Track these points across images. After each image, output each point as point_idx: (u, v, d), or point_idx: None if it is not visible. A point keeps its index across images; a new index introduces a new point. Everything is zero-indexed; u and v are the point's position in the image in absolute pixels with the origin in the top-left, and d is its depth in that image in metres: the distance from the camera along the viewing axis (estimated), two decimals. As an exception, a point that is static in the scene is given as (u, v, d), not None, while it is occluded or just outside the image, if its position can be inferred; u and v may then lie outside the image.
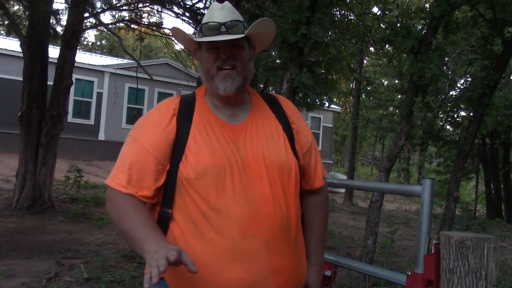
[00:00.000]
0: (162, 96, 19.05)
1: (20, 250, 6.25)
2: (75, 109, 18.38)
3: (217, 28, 1.58)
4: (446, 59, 10.99)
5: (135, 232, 1.45)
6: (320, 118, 23.61)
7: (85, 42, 34.57)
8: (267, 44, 1.81)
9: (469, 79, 13.07)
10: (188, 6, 10.35)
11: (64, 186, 10.55)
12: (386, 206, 14.44)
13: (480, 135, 14.26)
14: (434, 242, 1.71)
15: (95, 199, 10.34)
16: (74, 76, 10.10)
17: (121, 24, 13.92)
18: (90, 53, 24.93)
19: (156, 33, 13.75)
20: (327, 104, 16.28)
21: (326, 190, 1.83)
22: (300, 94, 6.72)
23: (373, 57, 17.42)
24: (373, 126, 21.21)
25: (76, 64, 9.90)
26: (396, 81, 20.20)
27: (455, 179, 7.47)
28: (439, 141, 13.57)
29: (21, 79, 9.42)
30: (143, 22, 12.98)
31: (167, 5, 10.45)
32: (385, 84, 22.70)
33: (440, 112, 13.34)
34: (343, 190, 16.90)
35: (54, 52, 10.16)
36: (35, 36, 8.98)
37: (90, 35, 42.88)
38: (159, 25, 12.93)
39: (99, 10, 10.31)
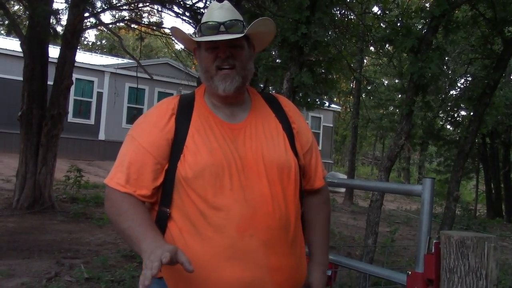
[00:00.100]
0: (162, 95, 19.04)
1: (20, 250, 6.25)
2: (75, 109, 18.38)
3: (216, 28, 1.58)
4: (447, 58, 10.99)
5: (132, 231, 1.45)
6: (320, 117, 23.61)
7: (85, 42, 34.61)
8: (267, 44, 1.80)
9: (470, 79, 13.07)
10: (188, 5, 10.34)
11: (64, 186, 10.55)
12: (386, 205, 14.44)
13: (481, 134, 14.27)
14: (434, 241, 1.70)
15: (95, 199, 10.34)
16: (74, 76, 10.10)
17: (121, 24, 13.93)
18: (90, 53, 24.94)
19: (156, 32, 13.75)
20: (327, 104, 16.24)
21: (327, 190, 1.83)
22: (300, 94, 6.73)
23: (373, 56, 17.41)
24: (374, 125, 21.21)
25: (76, 64, 9.91)
26: (396, 81, 20.19)
27: (455, 179, 7.47)
28: (440, 141, 13.57)
29: (21, 79, 9.42)
30: (143, 22, 12.98)
31: (167, 4, 10.45)
32: (385, 84, 22.70)
33: (440, 112, 13.34)
34: (343, 190, 16.90)
35: (54, 52, 10.17)
36: (35, 36, 8.98)
37: (90, 35, 42.92)
38: (159, 25, 12.93)
39: (99, 10, 10.31)
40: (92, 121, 18.95)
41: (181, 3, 10.33)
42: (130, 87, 18.97)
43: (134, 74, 12.96)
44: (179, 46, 16.26)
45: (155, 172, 1.55)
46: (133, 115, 19.09)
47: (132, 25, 13.07)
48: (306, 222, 1.77)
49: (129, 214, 1.49)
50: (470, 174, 18.13)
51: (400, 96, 17.80)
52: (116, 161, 1.59)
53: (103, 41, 35.93)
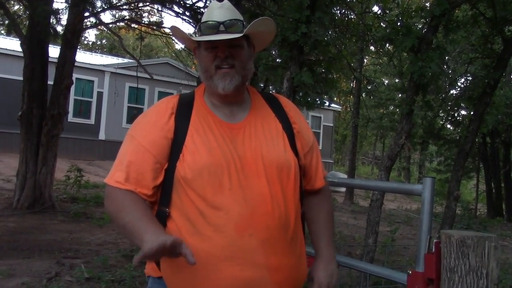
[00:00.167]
0: (162, 95, 19.03)
1: (21, 249, 6.25)
2: (75, 108, 18.38)
3: (215, 27, 1.58)
4: (447, 58, 10.99)
5: (134, 225, 1.44)
6: (320, 117, 23.61)
7: (85, 42, 34.61)
8: (267, 43, 1.80)
9: (470, 78, 13.07)
10: (188, 5, 10.34)
11: (64, 186, 10.55)
12: (386, 205, 14.43)
13: (481, 134, 14.25)
14: (435, 241, 1.70)
15: (95, 199, 10.34)
16: (75, 75, 10.10)
17: (121, 24, 13.94)
18: (91, 53, 24.95)
19: (157, 32, 13.75)
20: (327, 103, 16.23)
21: (328, 189, 1.83)
22: (301, 93, 6.72)
23: (373, 56, 17.41)
24: (374, 125, 21.19)
25: (76, 64, 9.91)
26: (397, 80, 20.18)
27: (455, 178, 7.47)
28: (440, 140, 13.57)
29: (21, 78, 9.42)
30: (143, 22, 12.98)
31: (167, 4, 10.45)
32: (385, 83, 22.68)
33: (440, 111, 13.33)
34: (343, 189, 16.90)
35: (54, 51, 10.16)
36: (35, 36, 8.98)
37: (90, 35, 42.85)
38: (159, 25, 12.93)
39: (99, 10, 10.31)
40: (92, 121, 18.95)
41: (181, 2, 10.33)
42: (130, 87, 18.96)
43: (134, 73, 12.95)
44: (179, 45, 16.27)
45: (155, 171, 1.54)
46: (133, 114, 19.08)
47: (132, 25, 13.08)
48: (308, 220, 1.77)
49: (130, 210, 1.48)
50: (470, 173, 18.12)
51: (400, 95, 17.78)
52: (115, 161, 1.59)
53: (103, 41, 35.92)
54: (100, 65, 19.24)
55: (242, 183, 1.51)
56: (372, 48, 14.47)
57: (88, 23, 12.00)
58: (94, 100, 19.00)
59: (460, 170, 7.56)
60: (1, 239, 6.71)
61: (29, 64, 9.09)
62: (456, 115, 12.98)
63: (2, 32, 19.66)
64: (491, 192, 18.01)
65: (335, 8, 8.70)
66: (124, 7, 12.11)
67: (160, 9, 12.37)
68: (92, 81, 18.95)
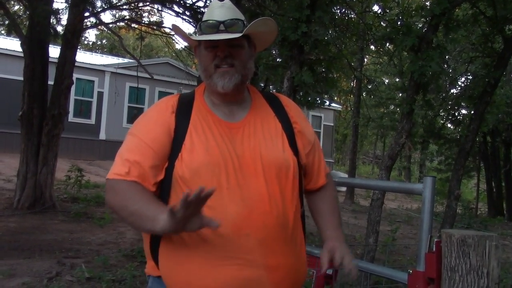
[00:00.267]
0: (163, 95, 19.01)
1: (21, 249, 6.25)
2: (76, 108, 18.37)
3: (216, 27, 1.58)
4: (447, 57, 10.98)
5: (145, 210, 1.43)
6: (321, 116, 23.60)
7: (85, 42, 34.62)
8: (269, 43, 1.80)
9: (470, 77, 13.06)
10: (188, 5, 10.34)
11: (65, 186, 10.55)
12: (387, 204, 14.43)
13: (481, 133, 14.27)
14: (435, 240, 1.70)
15: (96, 199, 10.34)
16: (75, 75, 10.10)
17: (122, 24, 13.94)
18: (91, 53, 24.94)
19: (157, 32, 13.75)
20: (327, 103, 16.25)
21: (331, 180, 1.83)
22: (301, 93, 6.73)
23: (373, 55, 17.40)
24: (374, 124, 21.18)
25: (76, 64, 9.90)
26: (397, 79, 20.17)
27: (456, 177, 7.47)
28: (440, 139, 13.57)
29: (21, 79, 9.42)
30: (143, 21, 12.98)
31: (167, 4, 10.45)
32: (386, 83, 22.68)
33: (441, 110, 13.34)
34: (344, 189, 16.89)
35: (54, 51, 10.16)
36: (35, 36, 8.98)
37: (90, 35, 42.86)
38: (159, 24, 12.93)
39: (99, 10, 10.31)
40: (92, 120, 18.94)
41: (181, 2, 10.33)
42: (130, 87, 18.95)
43: (134, 73, 12.95)
44: (179, 45, 16.28)
45: (156, 168, 1.54)
46: (134, 114, 19.08)
47: (133, 25, 13.08)
48: (313, 214, 1.77)
49: (137, 197, 1.47)
50: (471, 172, 18.11)
51: (400, 94, 17.78)
52: (116, 158, 1.57)
53: (104, 41, 35.93)
54: (101, 65, 19.23)
55: (240, 183, 1.51)
56: (372, 47, 14.46)
57: (88, 23, 12.02)
58: (94, 100, 18.99)
59: (461, 169, 7.56)
60: (2, 239, 6.72)
61: (30, 64, 9.09)
62: (456, 114, 12.99)
63: (3, 32, 19.67)
64: (492, 191, 18.01)
65: (335, 8, 8.70)
66: (124, 7, 12.12)
67: (160, 9, 12.38)
68: (93, 81, 18.94)
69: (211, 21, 1.58)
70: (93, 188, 11.95)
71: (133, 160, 1.52)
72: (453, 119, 12.97)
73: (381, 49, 12.30)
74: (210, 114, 1.62)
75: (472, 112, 8.44)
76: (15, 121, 9.76)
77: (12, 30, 9.72)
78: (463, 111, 13.37)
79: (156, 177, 1.54)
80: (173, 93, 18.48)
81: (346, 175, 17.08)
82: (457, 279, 1.53)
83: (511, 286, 5.55)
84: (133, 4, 11.90)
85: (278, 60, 8.51)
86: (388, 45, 9.79)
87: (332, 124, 25.56)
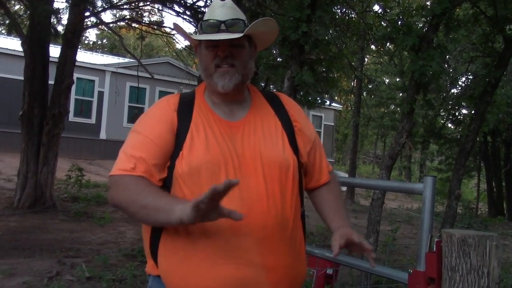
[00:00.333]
0: (163, 95, 19.00)
1: (22, 249, 6.25)
2: (76, 108, 18.37)
3: (216, 26, 1.57)
4: (448, 56, 10.98)
5: (158, 202, 1.41)
6: (321, 116, 23.60)
7: (86, 41, 34.61)
8: (270, 43, 1.80)
9: (471, 77, 13.07)
10: (188, 4, 10.35)
11: (65, 185, 10.56)
12: (387, 204, 14.43)
13: (482, 133, 14.25)
14: (436, 240, 1.70)
15: (96, 198, 10.35)
16: (75, 75, 10.10)
17: (122, 23, 13.93)
18: (91, 52, 24.93)
19: (157, 32, 13.76)
20: (328, 102, 16.26)
21: (333, 175, 1.82)
22: (301, 92, 6.73)
23: (374, 55, 17.41)
24: (375, 124, 21.19)
25: (77, 63, 9.91)
26: (398, 79, 20.17)
27: (456, 177, 7.46)
28: (441, 139, 13.58)
29: (22, 78, 9.43)
30: (144, 21, 12.98)
31: (167, 3, 10.45)
32: (386, 82, 22.69)
33: (441, 110, 13.34)
34: (344, 189, 16.89)
35: (55, 51, 10.17)
36: (36, 35, 8.98)
37: (91, 34, 42.84)
38: (160, 24, 12.94)
39: (100, 9, 10.30)
40: (93, 120, 18.94)
41: (182, 2, 10.33)
42: (131, 86, 18.95)
43: (135, 73, 12.94)
44: (180, 45, 16.28)
45: (161, 165, 1.53)
46: (134, 114, 19.09)
47: (133, 24, 13.07)
48: (318, 208, 1.76)
49: (148, 190, 1.46)
50: (471, 172, 18.13)
51: (401, 94, 17.79)
52: (120, 155, 1.55)
53: (104, 40, 35.94)
54: (101, 64, 19.23)
55: (239, 181, 1.51)
56: (373, 47, 14.47)
57: (89, 23, 12.00)
58: (95, 100, 18.99)
59: (461, 169, 7.56)
60: (2, 239, 6.72)
61: (30, 64, 9.09)
62: (457, 114, 13.00)
63: (3, 32, 19.66)
64: (492, 191, 18.01)
65: (335, 7, 8.70)
66: (125, 6, 12.12)
67: (160, 8, 12.38)
68: (93, 81, 18.94)
69: (212, 21, 1.58)
70: (93, 188, 11.96)
71: (139, 156, 1.51)
72: (454, 119, 12.98)
73: (381, 49, 12.31)
74: (211, 113, 1.62)
75: (473, 112, 8.43)
76: (15, 120, 9.76)
77: (12, 30, 9.72)
78: (464, 111, 13.38)
79: (161, 174, 1.53)
80: (173, 93, 18.47)
81: (346, 175, 17.08)
82: (458, 279, 1.52)
83: (511, 286, 5.55)
84: (133, 4, 11.89)
85: (278, 59, 8.50)
86: (389, 45, 9.81)
87: (332, 124, 25.56)
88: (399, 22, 7.03)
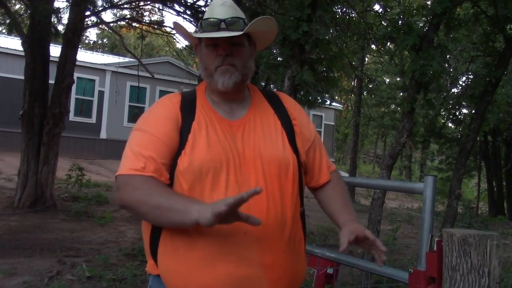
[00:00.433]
0: (163, 94, 18.93)
1: (22, 248, 6.26)
2: (76, 107, 18.38)
3: (216, 25, 1.57)
4: (448, 56, 10.98)
5: (172, 203, 1.41)
6: (321, 116, 23.60)
7: (86, 41, 34.63)
8: (269, 42, 1.79)
9: (471, 76, 13.06)
10: (189, 4, 10.35)
11: (66, 185, 10.56)
12: (388, 204, 14.43)
13: (482, 132, 14.25)
14: (436, 239, 1.70)
15: (97, 198, 10.35)
16: (76, 74, 10.10)
17: (123, 23, 13.93)
18: (92, 52, 24.94)
19: (158, 31, 13.76)
20: (328, 102, 16.25)
21: (336, 173, 1.81)
22: (302, 92, 6.73)
23: (374, 54, 17.41)
24: (375, 123, 21.21)
25: (77, 63, 9.91)
26: (398, 79, 20.17)
27: (457, 177, 7.46)
28: (441, 139, 13.58)
29: (22, 77, 9.43)
30: (144, 21, 12.98)
31: (168, 3, 10.45)
32: (386, 82, 22.69)
33: (442, 110, 13.34)
34: (346, 187, 16.89)
35: (55, 50, 10.16)
36: (36, 35, 8.98)
37: (91, 34, 42.92)
38: (160, 24, 12.94)
39: (100, 9, 10.30)
40: (93, 120, 18.95)
41: (182, 1, 10.33)
42: (131, 86, 18.96)
43: (135, 72, 12.95)
44: (180, 44, 16.28)
45: (168, 165, 1.52)
46: (135, 113, 19.10)
47: (133, 24, 13.08)
48: (323, 205, 1.76)
49: (160, 190, 1.45)
50: (472, 172, 18.13)
51: (401, 94, 17.79)
52: (127, 154, 1.53)
53: (104, 40, 35.95)
54: (101, 64, 19.23)
55: (239, 180, 1.51)
56: (373, 46, 14.47)
57: (89, 22, 11.99)
58: (95, 99, 19.00)
59: (462, 169, 7.55)
60: (3, 238, 6.72)
61: (30, 63, 9.09)
62: (457, 113, 12.99)
63: (3, 31, 19.66)
64: (493, 190, 18.01)
65: (336, 7, 8.70)
66: (125, 6, 12.11)
67: (161, 8, 12.37)
68: (93, 80, 18.94)
69: (212, 19, 1.58)
70: (93, 187, 11.96)
71: (148, 155, 1.50)
72: (454, 118, 12.97)
73: (382, 48, 12.31)
74: (212, 112, 1.62)
75: (473, 111, 8.43)
76: (16, 120, 9.76)
77: (13, 29, 9.72)
78: (464, 110, 13.38)
79: (168, 172, 1.53)
80: (174, 92, 18.44)
81: (347, 174, 17.08)
82: (458, 278, 1.52)
83: (512, 286, 5.54)
84: (134, 3, 11.89)
85: (279, 59, 8.50)
86: (389, 44, 9.81)
87: (333, 123, 25.56)
88: (400, 22, 7.02)
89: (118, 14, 14.65)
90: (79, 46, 10.54)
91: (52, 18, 9.30)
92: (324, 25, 6.42)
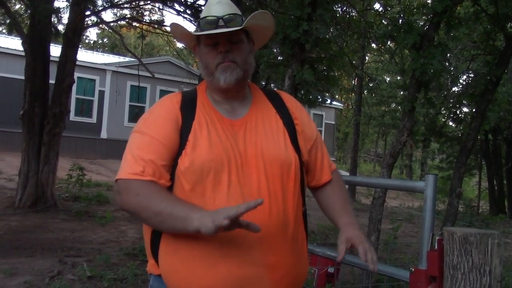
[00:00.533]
0: (164, 94, 18.90)
1: (23, 248, 6.26)
2: (77, 107, 18.38)
3: (215, 22, 1.57)
4: (449, 54, 10.98)
5: (173, 209, 1.41)
6: (322, 115, 23.60)
7: (86, 41, 34.62)
8: (267, 39, 1.79)
9: (472, 75, 13.05)
10: (189, 3, 10.34)
11: (66, 185, 10.56)
12: (388, 202, 14.42)
13: (483, 131, 14.24)
14: (437, 238, 1.70)
15: (97, 197, 10.36)
16: (76, 74, 10.11)
17: (123, 22, 13.93)
18: (92, 52, 24.93)
19: (158, 31, 13.76)
20: (329, 101, 16.24)
21: (336, 174, 1.81)
22: (302, 91, 6.72)
23: (375, 53, 17.40)
24: (376, 122, 21.20)
25: (77, 63, 9.91)
26: (398, 77, 20.16)
27: (457, 175, 7.45)
28: (442, 137, 13.57)
29: (23, 77, 9.43)
30: (144, 20, 12.98)
31: (168, 2, 10.45)
32: (387, 81, 22.68)
33: (442, 108, 13.34)
34: (345, 187, 16.89)
35: (55, 50, 10.16)
36: (36, 35, 8.98)
37: (91, 33, 42.98)
38: (160, 23, 12.94)
39: (100, 8, 10.30)
40: (94, 119, 18.95)
41: (182, 0, 10.33)
42: (131, 86, 18.97)
43: (135, 72, 12.96)
44: (180, 44, 16.24)
45: (168, 167, 1.52)
46: (135, 113, 19.10)
47: (134, 23, 13.08)
48: (323, 206, 1.76)
49: (161, 196, 1.45)
50: (472, 170, 18.10)
51: (402, 93, 17.77)
52: (127, 157, 1.53)
53: (105, 40, 35.94)
54: (102, 63, 19.24)
55: (241, 180, 1.50)
56: (373, 45, 14.46)
57: (90, 22, 11.99)
58: (95, 99, 19.00)
59: (462, 167, 7.54)
60: (4, 238, 6.73)
61: (31, 63, 9.09)
62: (458, 112, 12.98)
63: (4, 31, 19.66)
64: (494, 189, 18.00)
65: (336, 5, 8.69)
66: (125, 5, 12.11)
67: (161, 7, 12.36)
68: (94, 80, 18.95)
69: (210, 17, 1.58)
70: (94, 187, 11.96)
71: (148, 159, 1.50)
72: (455, 117, 12.96)
73: (382, 47, 12.30)
74: (213, 111, 1.62)
75: (474, 110, 8.42)
76: (16, 120, 9.76)
77: (13, 29, 9.72)
78: (465, 109, 13.37)
79: (168, 174, 1.52)
80: (174, 92, 18.43)
81: (347, 173, 17.08)
82: (459, 277, 1.52)
83: (513, 284, 5.54)
84: (134, 3, 11.89)
85: (279, 58, 8.49)
86: (390, 43, 9.80)
87: (333, 123, 25.56)
88: (400, 20, 7.02)
89: (118, 14, 14.63)
90: (79, 46, 10.54)
91: (52, 18, 9.30)
92: (325, 24, 6.41)
